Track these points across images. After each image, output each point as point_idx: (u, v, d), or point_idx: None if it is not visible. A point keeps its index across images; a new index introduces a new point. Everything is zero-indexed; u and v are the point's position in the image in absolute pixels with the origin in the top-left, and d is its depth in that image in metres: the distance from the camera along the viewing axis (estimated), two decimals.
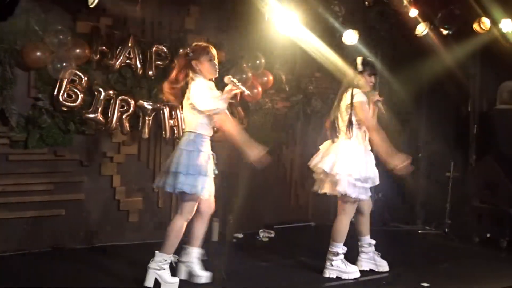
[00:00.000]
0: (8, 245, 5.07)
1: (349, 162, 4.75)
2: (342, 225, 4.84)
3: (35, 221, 5.20)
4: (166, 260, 4.28)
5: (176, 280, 4.33)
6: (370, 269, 5.06)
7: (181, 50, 5.58)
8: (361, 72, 4.89)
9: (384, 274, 5.01)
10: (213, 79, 4.47)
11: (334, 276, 4.82)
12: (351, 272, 4.83)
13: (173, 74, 4.40)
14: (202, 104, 4.26)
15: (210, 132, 4.43)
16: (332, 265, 4.85)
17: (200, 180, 4.25)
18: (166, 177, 4.32)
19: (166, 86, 4.44)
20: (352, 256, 5.03)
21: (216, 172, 4.51)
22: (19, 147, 5.08)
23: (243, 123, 6.25)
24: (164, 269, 4.28)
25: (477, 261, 5.61)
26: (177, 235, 4.32)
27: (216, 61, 4.42)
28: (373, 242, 5.09)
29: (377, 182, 4.91)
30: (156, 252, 4.31)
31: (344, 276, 4.82)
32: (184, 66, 4.36)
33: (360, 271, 4.95)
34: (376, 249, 5.13)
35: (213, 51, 4.41)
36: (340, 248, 4.83)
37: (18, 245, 5.11)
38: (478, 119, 6.97)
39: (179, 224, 4.32)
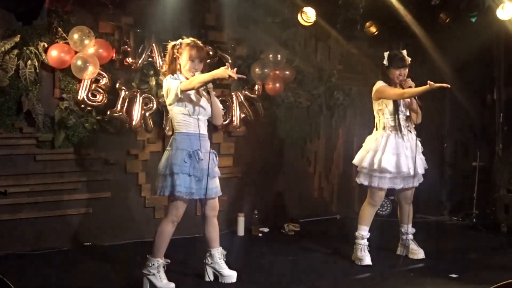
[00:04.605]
0: (38, 244, 5.16)
1: (363, 154, 4.96)
2: (363, 211, 5.05)
3: (63, 220, 5.29)
4: (154, 264, 4.19)
5: (169, 285, 4.21)
6: (406, 255, 5.12)
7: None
8: (388, 67, 4.86)
9: (418, 262, 5.04)
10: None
11: (353, 259, 5.03)
12: (363, 259, 4.94)
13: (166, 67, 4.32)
14: (170, 96, 4.12)
15: (196, 129, 4.19)
16: (354, 247, 5.03)
17: (179, 179, 4.09)
18: (156, 179, 4.25)
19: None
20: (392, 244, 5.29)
21: (218, 173, 4.37)
22: (46, 147, 5.17)
23: (262, 117, 6.22)
24: (154, 274, 4.18)
25: (506, 251, 5.53)
26: (163, 239, 4.20)
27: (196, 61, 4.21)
28: (411, 230, 5.16)
29: (404, 170, 4.89)
30: (147, 256, 4.24)
31: (356, 262, 4.97)
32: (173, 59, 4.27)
33: (397, 255, 5.16)
34: None
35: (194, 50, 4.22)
36: (363, 231, 4.98)
37: (48, 243, 5.19)
38: (504, 107, 6.86)
39: (164, 227, 4.21)
